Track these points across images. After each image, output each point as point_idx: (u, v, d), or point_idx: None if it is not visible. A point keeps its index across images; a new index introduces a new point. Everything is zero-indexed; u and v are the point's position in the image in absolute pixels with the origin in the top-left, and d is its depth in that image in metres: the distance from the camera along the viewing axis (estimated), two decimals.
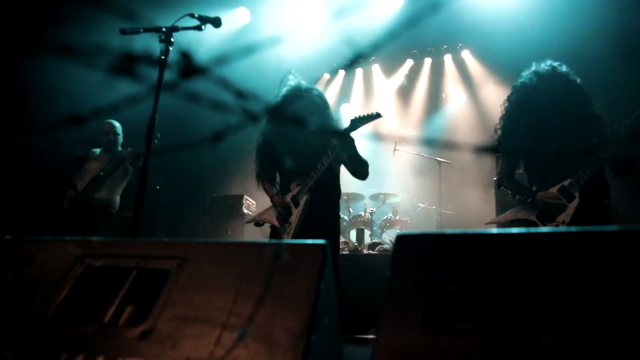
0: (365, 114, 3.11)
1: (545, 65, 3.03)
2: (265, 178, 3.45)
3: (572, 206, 2.77)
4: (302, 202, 3.22)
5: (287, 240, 2.99)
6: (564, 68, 3.00)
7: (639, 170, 2.79)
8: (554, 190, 2.84)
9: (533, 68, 3.07)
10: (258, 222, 3.52)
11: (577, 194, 2.78)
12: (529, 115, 2.98)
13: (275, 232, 3.38)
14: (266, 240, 2.55)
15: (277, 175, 3.54)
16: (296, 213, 3.23)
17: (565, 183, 2.81)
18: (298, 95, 3.27)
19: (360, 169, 3.28)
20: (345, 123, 3.17)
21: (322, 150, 3.16)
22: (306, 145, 3.18)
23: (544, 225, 2.85)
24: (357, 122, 3.10)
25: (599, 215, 2.80)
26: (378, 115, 3.14)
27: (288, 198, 3.30)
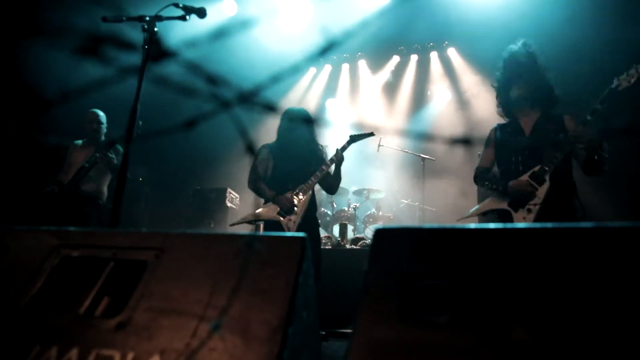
0: (362, 132, 3.96)
1: (517, 47, 3.15)
2: (262, 181, 3.87)
3: (542, 189, 2.85)
4: (307, 196, 3.79)
5: (266, 232, 3.48)
6: (533, 48, 3.12)
7: (607, 168, 2.85)
8: (524, 177, 2.92)
9: (507, 53, 3.20)
10: (251, 221, 3.88)
11: (547, 177, 2.86)
12: (499, 105, 3.20)
13: (272, 228, 3.73)
14: (244, 232, 2.66)
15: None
16: (301, 204, 3.75)
17: (535, 169, 2.90)
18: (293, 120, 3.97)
19: (337, 185, 4.03)
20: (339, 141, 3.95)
21: (312, 160, 3.85)
22: (298, 158, 3.83)
23: (516, 211, 2.92)
24: (355, 138, 3.93)
25: (567, 210, 2.86)
26: (372, 134, 4.04)
27: (293, 192, 3.79)
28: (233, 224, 4.12)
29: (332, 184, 4.03)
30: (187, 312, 1.01)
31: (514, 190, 2.93)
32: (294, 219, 3.73)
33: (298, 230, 3.70)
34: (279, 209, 3.75)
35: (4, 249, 1.32)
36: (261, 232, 3.95)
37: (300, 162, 3.83)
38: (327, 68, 9.34)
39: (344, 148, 3.90)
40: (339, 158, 3.85)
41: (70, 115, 4.70)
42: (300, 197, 3.78)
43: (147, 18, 2.50)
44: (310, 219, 3.86)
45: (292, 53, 7.47)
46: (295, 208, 3.75)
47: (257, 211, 3.85)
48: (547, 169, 2.86)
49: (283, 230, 3.70)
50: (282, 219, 3.73)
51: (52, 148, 4.89)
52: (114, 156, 4.47)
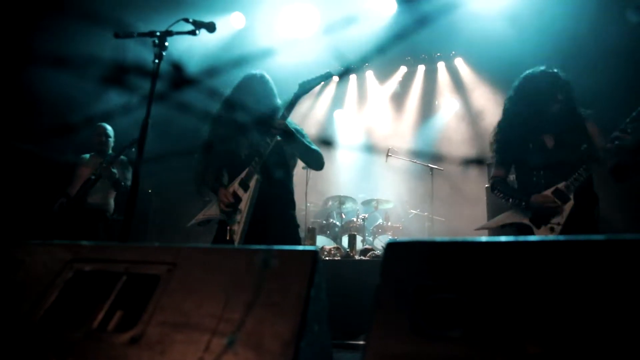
0: (315, 76, 2.89)
1: (535, 70, 3.04)
2: (215, 188, 3.07)
3: (567, 207, 2.77)
4: (253, 182, 2.88)
5: (278, 246, 2.85)
6: (553, 70, 3.01)
7: (632, 181, 2.78)
8: (548, 192, 2.83)
9: (524, 74, 3.09)
10: (202, 222, 3.12)
11: (571, 196, 2.78)
12: (520, 123, 3.01)
13: (222, 227, 3.01)
14: (257, 247, 2.45)
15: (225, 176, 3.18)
16: (246, 198, 2.89)
17: (560, 186, 2.81)
18: (240, 88, 2.94)
19: (310, 157, 3.01)
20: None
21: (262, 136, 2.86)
22: (249, 139, 2.94)
23: (538, 227, 2.83)
24: (305, 85, 2.88)
25: (589, 225, 2.79)
26: (329, 75, 2.86)
27: (234, 185, 2.97)
28: (189, 225, 3.18)
29: (306, 161, 3.05)
30: (200, 327, 1.02)
31: (538, 206, 2.82)
32: (240, 219, 2.87)
33: (250, 236, 2.84)
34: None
35: (18, 263, 1.34)
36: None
37: (252, 144, 2.92)
38: (334, 79, 9.38)
39: (290, 105, 2.82)
40: (279, 126, 2.74)
41: (86, 134, 4.81)
42: (250, 182, 2.87)
43: (158, 33, 2.53)
44: (272, 219, 2.91)
45: (297, 67, 7.50)
46: (240, 204, 2.89)
47: (205, 210, 3.12)
48: (572, 187, 2.78)
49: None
50: (226, 217, 2.95)
51: (64, 164, 4.97)
52: (116, 171, 4.52)
